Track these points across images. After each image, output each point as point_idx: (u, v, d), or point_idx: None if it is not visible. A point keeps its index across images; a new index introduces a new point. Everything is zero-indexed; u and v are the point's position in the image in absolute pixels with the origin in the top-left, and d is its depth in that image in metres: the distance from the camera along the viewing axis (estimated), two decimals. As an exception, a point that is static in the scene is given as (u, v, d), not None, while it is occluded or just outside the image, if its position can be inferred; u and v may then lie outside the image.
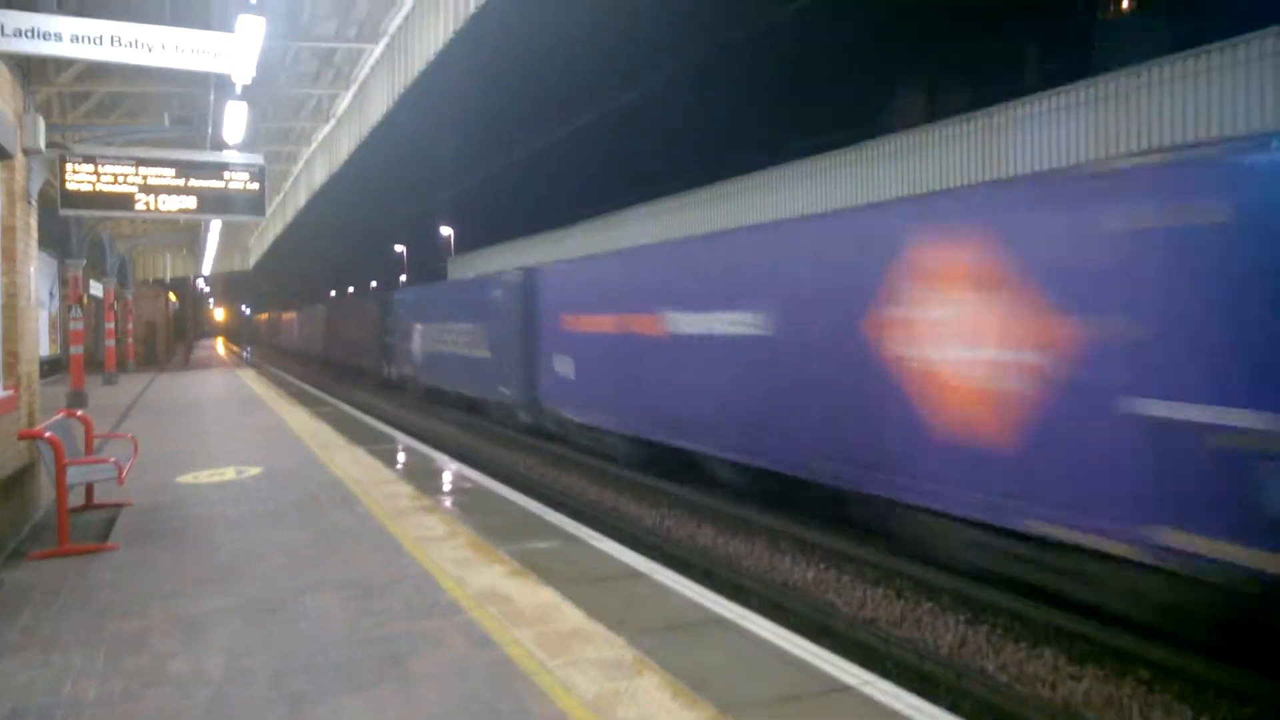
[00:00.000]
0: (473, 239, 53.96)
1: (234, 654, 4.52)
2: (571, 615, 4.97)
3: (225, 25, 8.08)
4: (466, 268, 46.16)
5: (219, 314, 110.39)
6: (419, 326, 24.16)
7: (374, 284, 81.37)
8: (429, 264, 59.68)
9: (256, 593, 5.54)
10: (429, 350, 23.06)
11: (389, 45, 11.74)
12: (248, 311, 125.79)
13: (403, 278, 67.03)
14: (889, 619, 7.22)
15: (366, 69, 13.50)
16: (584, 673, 4.16)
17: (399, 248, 71.33)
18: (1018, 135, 17.10)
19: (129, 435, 9.85)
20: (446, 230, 55.82)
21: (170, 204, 9.24)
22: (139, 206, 9.13)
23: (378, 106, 13.51)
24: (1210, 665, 5.84)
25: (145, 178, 9.08)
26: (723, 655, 4.41)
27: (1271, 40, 13.02)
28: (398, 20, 10.90)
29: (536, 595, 5.34)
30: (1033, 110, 16.88)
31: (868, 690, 3.98)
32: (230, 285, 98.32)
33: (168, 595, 5.53)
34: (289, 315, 66.47)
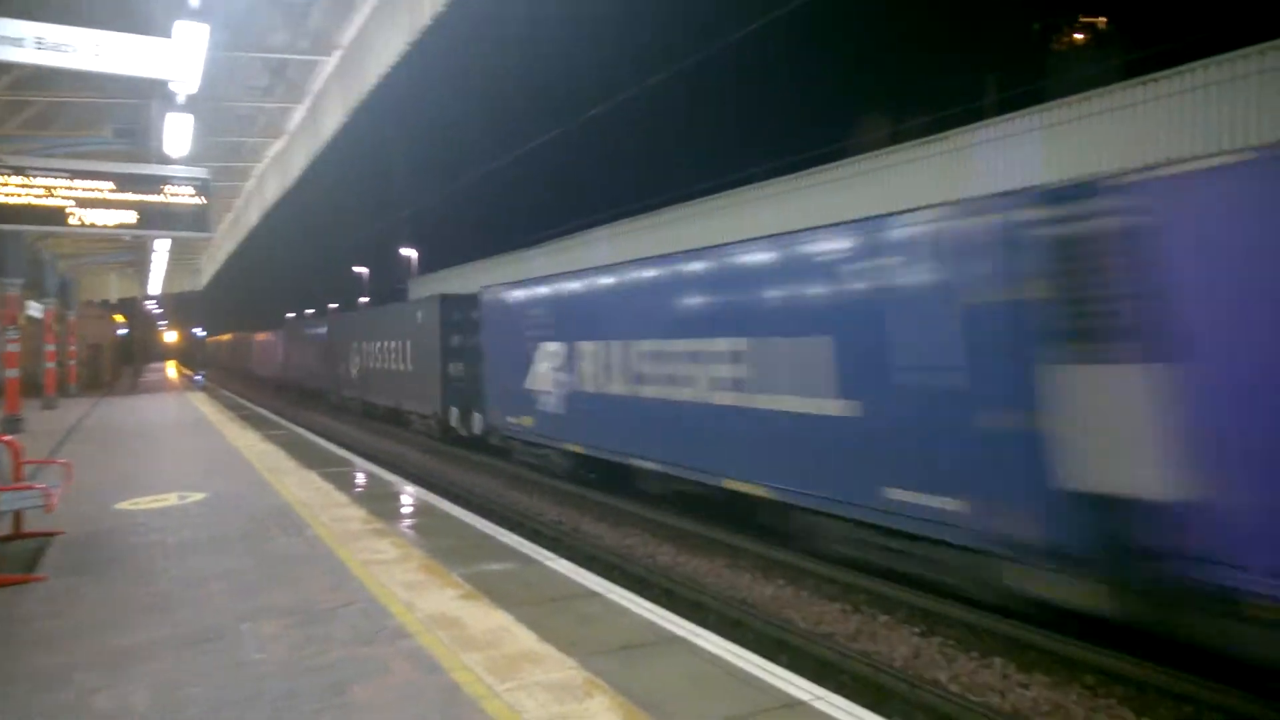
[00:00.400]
0: (431, 262, 53.16)
1: (164, 688, 4.31)
2: (523, 638, 4.85)
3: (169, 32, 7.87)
4: (427, 289, 45.53)
5: (171, 336, 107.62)
6: (556, 347, 13.19)
7: (333, 306, 79.18)
8: (390, 285, 58.32)
9: (193, 622, 5.32)
10: (607, 394, 11.83)
11: (343, 58, 11.57)
12: (202, 334, 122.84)
13: (363, 300, 65.34)
14: (845, 633, 7.20)
15: (320, 82, 13.30)
16: (533, 696, 4.04)
17: (360, 269, 70.24)
18: (978, 158, 17.38)
19: (62, 461, 9.48)
20: (407, 251, 55.02)
21: (108, 219, 8.94)
22: (72, 221, 8.81)
23: (331, 122, 13.31)
24: (1153, 669, 5.94)
25: (80, 191, 8.76)
26: (676, 674, 4.33)
27: (1214, 69, 13.41)
28: (351, 33, 10.74)
29: (488, 618, 5.21)
30: (991, 134, 17.17)
31: (820, 705, 3.92)
32: (183, 307, 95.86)
33: (96, 627, 5.28)
34: (263, 335, 51.28)
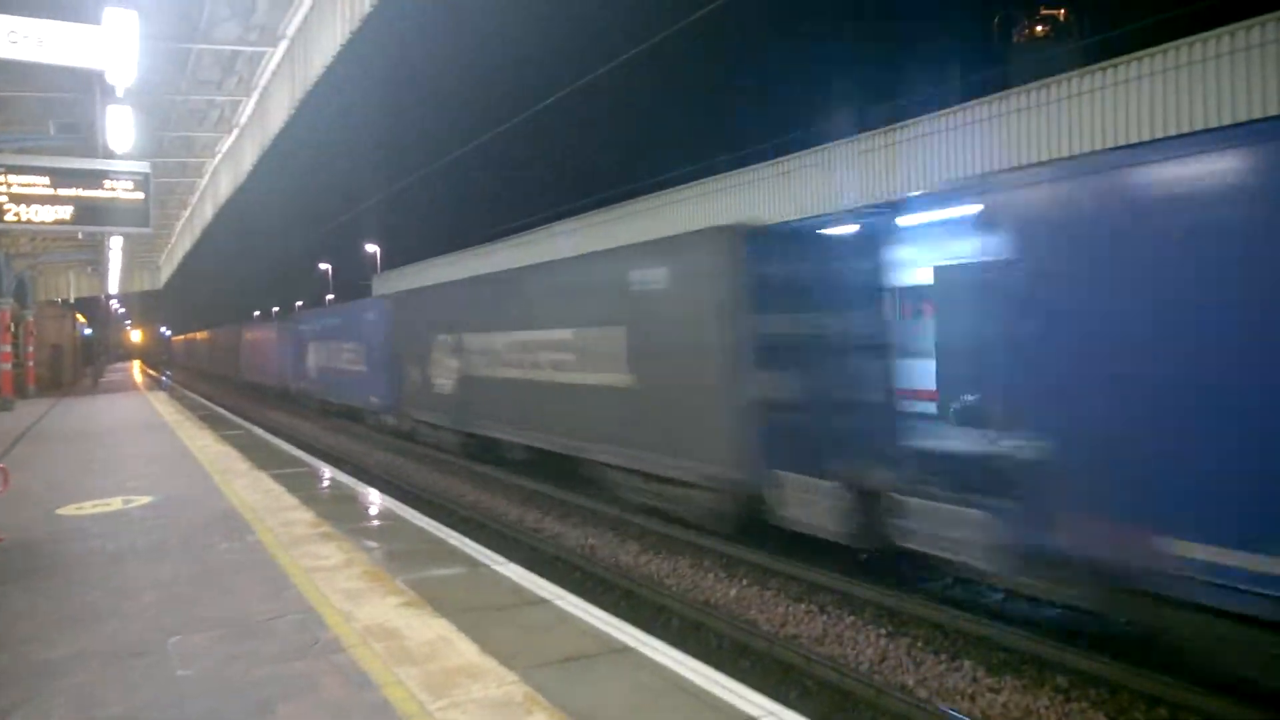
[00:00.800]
0: (393, 259, 52.35)
1: (82, 705, 4.06)
2: (464, 649, 4.59)
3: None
4: (393, 284, 44.94)
5: (136, 336, 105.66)
6: None
7: (299, 303, 77.42)
8: (353, 282, 57.32)
9: (120, 635, 5.03)
10: None
11: (288, 48, 11.21)
12: (168, 333, 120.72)
13: (329, 297, 64.30)
14: (811, 635, 7.00)
15: (267, 75, 12.93)
16: (468, 714, 3.79)
17: (323, 265, 69.23)
18: (942, 145, 17.31)
19: (-1, 465, 9.08)
20: (370, 247, 54.22)
21: (44, 214, 8.55)
22: (9, 217, 8.42)
23: (279, 114, 12.91)
24: (1125, 670, 5.79)
25: (15, 186, 8.37)
26: (621, 688, 4.10)
27: (1173, 54, 13.40)
28: (296, 22, 10.40)
29: (429, 628, 4.94)
30: (953, 122, 17.09)
31: (771, 722, 3.71)
32: (148, 306, 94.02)
33: (20, 640, 5.00)
34: (257, 332, 39.10)
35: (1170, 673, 5.63)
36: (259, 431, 17.67)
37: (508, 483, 13.63)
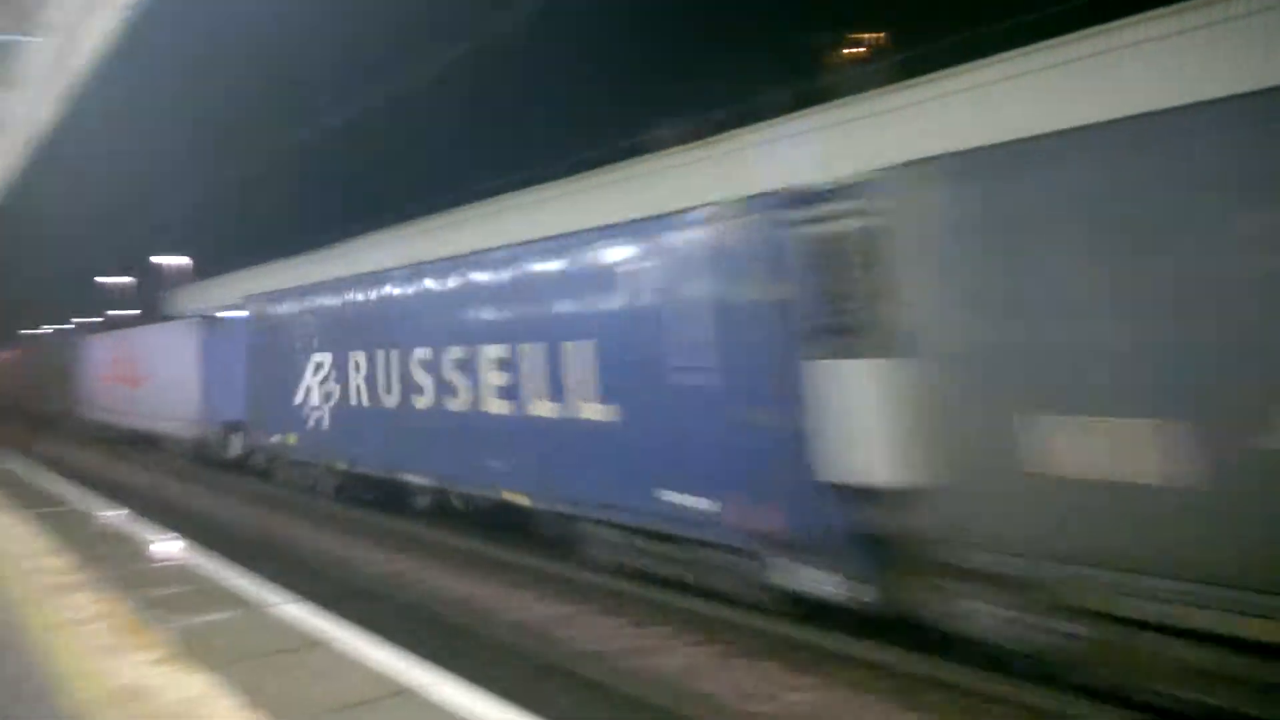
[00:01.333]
0: (205, 270, 48.14)
1: None
2: (224, 706, 4.15)
3: None
4: (196, 299, 41.33)
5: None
6: None
7: (94, 320, 68.76)
8: (148, 297, 51.91)
9: None
10: None
11: (54, 38, 10.04)
12: None
13: (136, 312, 58.26)
14: (620, 650, 6.95)
15: (32, 67, 11.56)
16: (216, 783, 3.41)
17: (123, 279, 62.80)
18: (752, 159, 17.85)
19: None
20: (180, 260, 49.80)
21: None
22: None
23: (47, 111, 11.55)
24: (918, 658, 6.07)
25: None
26: (397, 734, 3.84)
27: (995, 68, 14.15)
28: (62, 5, 9.31)
29: (188, 685, 4.44)
30: (767, 135, 17.67)
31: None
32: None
33: None
34: (120, 351, 22.62)
35: (956, 659, 5.98)
36: (27, 465, 15.67)
37: (308, 506, 12.78)
